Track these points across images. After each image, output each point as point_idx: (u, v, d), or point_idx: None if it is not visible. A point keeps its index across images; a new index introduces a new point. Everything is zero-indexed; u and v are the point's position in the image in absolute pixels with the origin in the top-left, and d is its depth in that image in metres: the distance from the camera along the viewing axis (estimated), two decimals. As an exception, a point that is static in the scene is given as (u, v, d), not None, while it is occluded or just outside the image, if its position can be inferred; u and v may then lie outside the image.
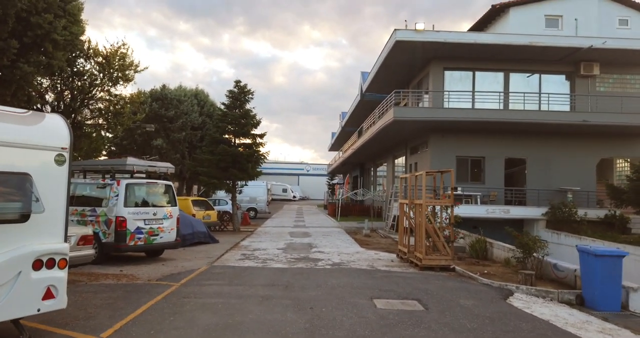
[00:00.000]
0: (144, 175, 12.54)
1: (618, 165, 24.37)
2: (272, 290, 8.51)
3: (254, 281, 9.35)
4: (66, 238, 5.54)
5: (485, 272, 11.29)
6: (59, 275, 5.35)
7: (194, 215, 17.83)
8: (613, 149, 22.12)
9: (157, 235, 11.63)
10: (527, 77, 22.26)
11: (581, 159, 21.66)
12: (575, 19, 22.19)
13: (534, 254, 10.84)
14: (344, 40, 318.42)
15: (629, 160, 22.64)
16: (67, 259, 5.49)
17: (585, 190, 20.97)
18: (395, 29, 19.95)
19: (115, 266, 10.87)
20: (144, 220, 11.40)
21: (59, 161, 5.51)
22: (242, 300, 7.64)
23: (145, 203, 11.70)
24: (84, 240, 8.83)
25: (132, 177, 12.05)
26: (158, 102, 28.42)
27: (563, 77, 22.62)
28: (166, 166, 12.56)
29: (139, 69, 18.15)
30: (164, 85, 29.56)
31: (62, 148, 5.55)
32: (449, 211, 12.46)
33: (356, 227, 23.81)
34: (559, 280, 10.40)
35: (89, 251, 8.98)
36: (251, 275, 10.02)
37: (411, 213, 12.85)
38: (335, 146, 57.43)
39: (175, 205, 12.39)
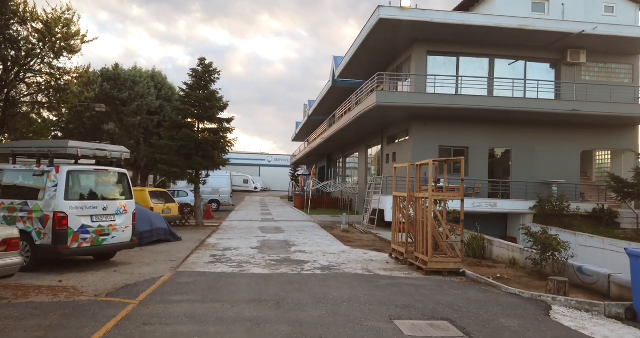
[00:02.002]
0: (93, 162, 10.29)
1: (597, 158, 23.77)
2: (260, 308, 6.61)
3: (234, 295, 7.40)
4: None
5: (498, 275, 9.82)
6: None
7: (152, 209, 15.55)
8: (594, 141, 21.37)
9: (108, 234, 9.45)
10: (509, 64, 21.09)
11: (565, 150, 20.80)
12: (562, 4, 21.19)
13: (556, 255, 9.44)
14: (304, 32, 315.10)
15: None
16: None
17: (570, 183, 20.10)
18: (378, 6, 18.20)
19: (53, 274, 8.63)
20: (92, 216, 9.18)
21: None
22: (224, 327, 5.71)
23: (93, 196, 9.48)
24: (6, 244, 6.61)
25: (77, 163, 9.79)
26: (110, 82, 25.51)
27: (548, 65, 21.63)
28: (120, 150, 10.30)
29: (87, 39, 15.56)
30: (116, 64, 26.62)
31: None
32: (442, 205, 10.94)
33: (330, 221, 22.09)
34: (586, 286, 9.06)
35: (13, 259, 6.76)
36: (229, 286, 8.06)
37: (410, 208, 11.22)
38: (300, 136, 55.51)
39: (131, 198, 10.21)
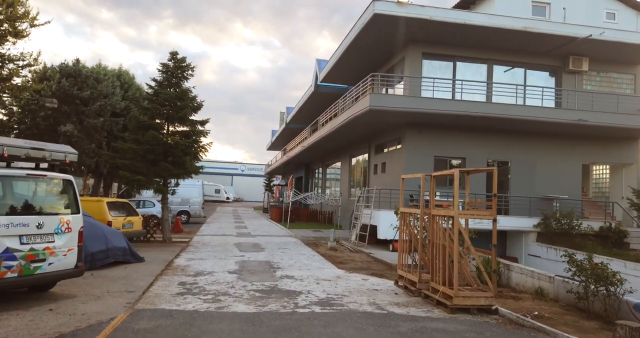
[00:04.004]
0: (33, 165, 8.04)
1: (595, 172, 22.59)
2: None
3: (211, 352, 5.30)
4: None
5: (536, 313, 8.00)
6: None
7: (109, 224, 13.19)
8: (595, 154, 20.11)
9: (44, 260, 7.20)
10: (505, 71, 19.69)
11: (566, 164, 19.45)
12: (564, 9, 20.02)
13: (611, 289, 7.70)
14: (277, 41, 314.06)
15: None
16: None
17: (573, 199, 18.70)
18: (373, 0, 16.50)
19: (-40, 316, 6.33)
20: (20, 236, 6.93)
21: None
22: None
23: (24, 210, 7.22)
24: None
25: (8, 167, 7.53)
26: (70, 79, 22.95)
27: (547, 73, 20.35)
28: (64, 150, 8.06)
29: (37, 22, 13.22)
30: (77, 60, 24.05)
31: None
32: (450, 223, 9.11)
33: (313, 236, 20.05)
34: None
35: None
36: (204, 337, 5.94)
37: (417, 226, 9.34)
38: (276, 145, 53.37)
39: (77, 212, 7.97)
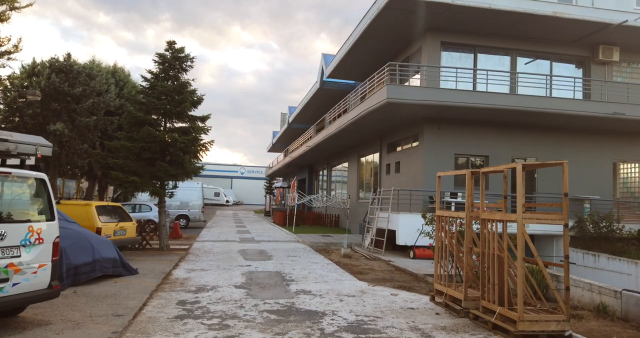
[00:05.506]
0: None
1: (622, 171, 21.10)
2: None
3: None
4: None
5: (616, 338, 6.52)
6: None
7: (98, 231, 11.66)
8: (625, 151, 18.71)
9: (6, 280, 5.69)
10: (525, 63, 18.30)
11: (596, 161, 18.02)
12: (592, -6, 18.58)
13: None
14: (275, 44, 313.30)
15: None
16: None
17: (605, 200, 17.23)
18: (389, -17, 15.07)
19: None
20: (-25, 250, 5.43)
21: None
22: None
23: (-18, 216, 5.73)
24: None
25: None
26: (60, 75, 21.40)
27: (573, 65, 18.90)
28: (34, 142, 6.54)
29: (17, 4, 11.73)
30: (69, 54, 22.50)
31: None
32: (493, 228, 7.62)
33: (323, 242, 18.53)
34: None
35: None
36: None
37: (453, 232, 7.85)
38: (277, 146, 51.89)
39: (53, 219, 6.47)
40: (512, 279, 7.01)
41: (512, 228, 7.21)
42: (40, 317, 6.61)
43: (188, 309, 7.40)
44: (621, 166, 21.02)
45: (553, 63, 18.52)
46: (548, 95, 17.38)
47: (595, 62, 18.26)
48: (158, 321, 6.65)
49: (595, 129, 17.81)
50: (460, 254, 8.29)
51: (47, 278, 6.25)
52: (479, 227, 7.57)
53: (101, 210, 12.51)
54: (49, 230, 6.36)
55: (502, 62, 18.09)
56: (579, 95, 18.10)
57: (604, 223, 14.59)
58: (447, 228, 8.51)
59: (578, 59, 18.62)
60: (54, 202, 6.56)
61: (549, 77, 17.77)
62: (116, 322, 6.48)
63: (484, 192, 7.76)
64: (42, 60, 22.45)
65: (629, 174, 20.85)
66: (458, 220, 8.50)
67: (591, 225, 14.78)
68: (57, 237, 6.48)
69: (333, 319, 7.06)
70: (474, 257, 8.19)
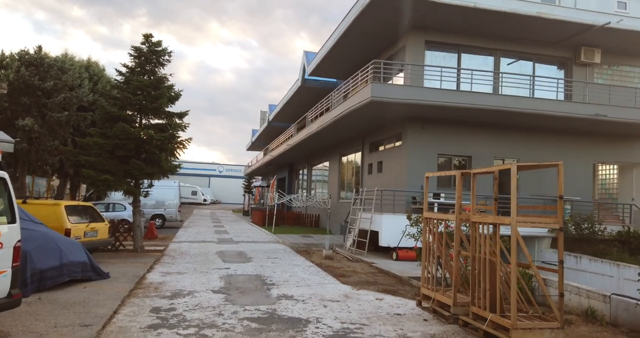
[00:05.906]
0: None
1: (600, 172, 21.31)
2: None
3: None
4: None
5: (610, 347, 6.32)
6: None
7: (67, 232, 11.02)
8: (604, 153, 18.85)
9: (-42, 289, 5.15)
10: (508, 64, 18.23)
11: (577, 163, 18.07)
12: (574, -4, 18.65)
13: None
14: (254, 42, 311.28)
15: None
16: None
17: (587, 201, 17.30)
18: (374, -20, 14.77)
19: None
20: None
21: None
22: None
23: None
24: None
25: None
26: (30, 68, 20.54)
27: (555, 67, 18.94)
28: (-7, 137, 5.99)
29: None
30: (39, 47, 21.60)
31: None
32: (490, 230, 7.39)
33: (303, 242, 18.14)
34: None
35: None
36: None
37: (443, 235, 7.57)
38: (257, 145, 51.27)
39: (14, 221, 5.93)
40: (503, 284, 6.76)
41: (503, 231, 6.99)
42: (-1, 328, 6.06)
43: (162, 317, 6.93)
44: (599, 167, 21.24)
45: (536, 64, 18.53)
46: (531, 96, 17.35)
47: (577, 64, 18.34)
48: (129, 331, 6.17)
49: (576, 130, 17.88)
50: (449, 258, 8.03)
51: (7, 286, 5.71)
52: (468, 229, 7.32)
53: (71, 210, 11.84)
54: (10, 233, 5.82)
55: (485, 62, 18.00)
56: (562, 97, 18.15)
57: (586, 225, 14.58)
58: (434, 230, 8.23)
59: (560, 60, 18.67)
60: (15, 202, 6.02)
61: (531, 78, 17.73)
62: (83, 333, 5.98)
63: (474, 194, 7.48)
64: (12, 53, 21.54)
65: (607, 176, 21.09)
66: (446, 223, 8.22)
67: (573, 227, 14.76)
68: (19, 240, 5.94)
69: (318, 328, 6.69)
70: (461, 260, 7.93)
